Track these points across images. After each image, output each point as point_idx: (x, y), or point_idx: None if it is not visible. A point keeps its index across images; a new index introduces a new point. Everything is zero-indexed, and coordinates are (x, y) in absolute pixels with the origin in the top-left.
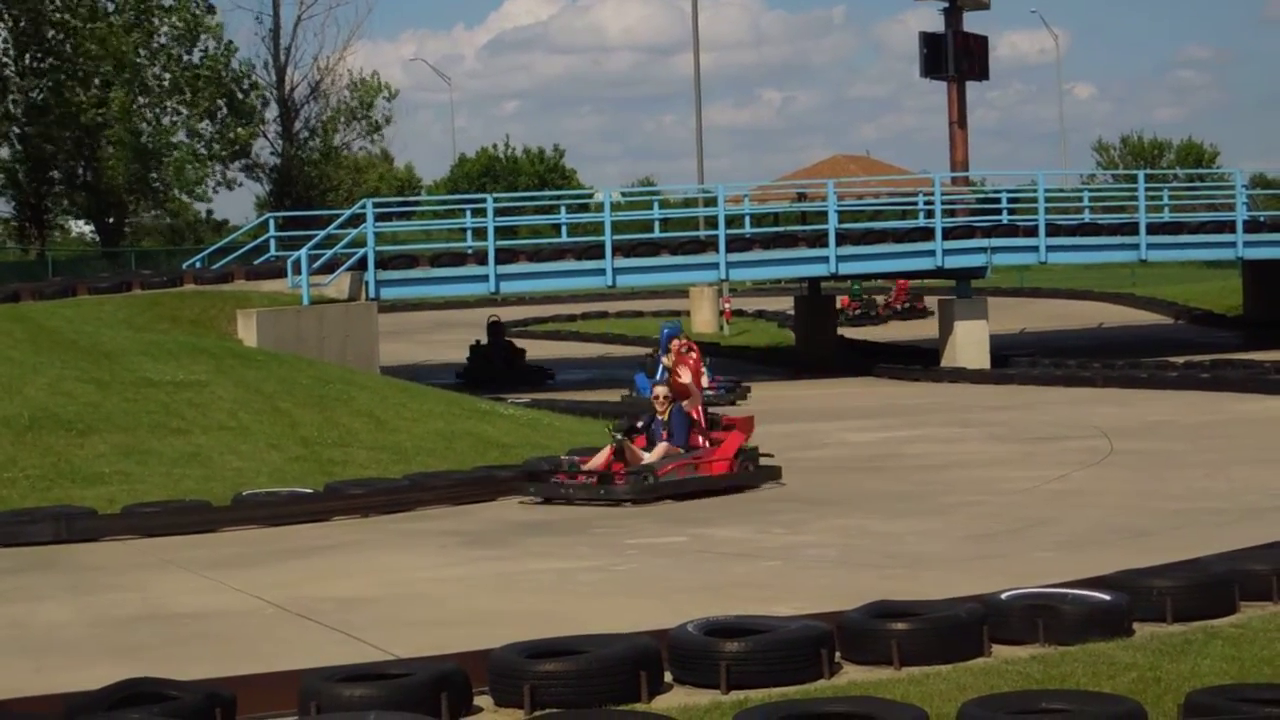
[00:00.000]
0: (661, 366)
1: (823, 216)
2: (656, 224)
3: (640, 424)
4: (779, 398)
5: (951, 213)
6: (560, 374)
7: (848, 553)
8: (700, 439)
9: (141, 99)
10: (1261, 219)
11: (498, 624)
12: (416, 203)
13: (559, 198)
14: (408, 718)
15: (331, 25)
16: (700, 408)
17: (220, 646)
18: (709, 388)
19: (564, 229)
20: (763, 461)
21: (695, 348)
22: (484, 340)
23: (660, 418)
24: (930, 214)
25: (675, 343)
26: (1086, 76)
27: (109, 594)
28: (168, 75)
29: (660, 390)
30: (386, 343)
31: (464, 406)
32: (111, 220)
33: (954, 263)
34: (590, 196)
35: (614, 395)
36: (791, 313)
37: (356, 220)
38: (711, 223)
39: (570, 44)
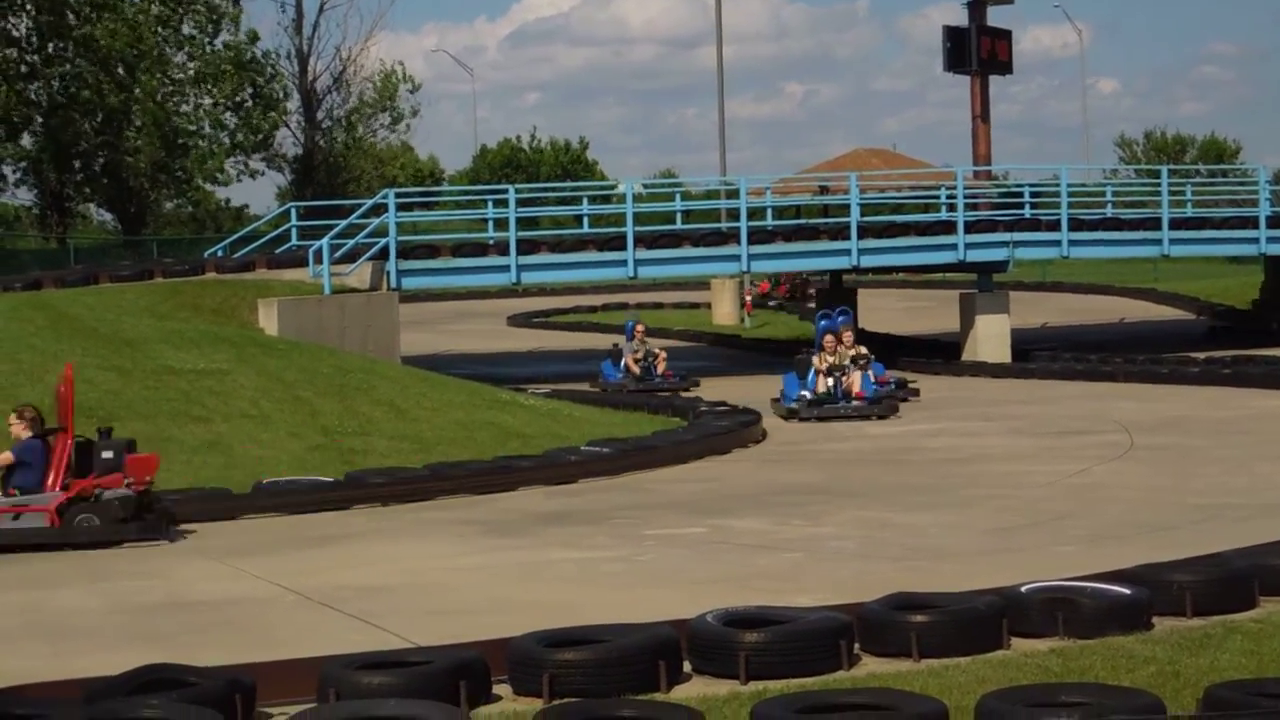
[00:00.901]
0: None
1: (845, 209)
2: (678, 215)
3: None
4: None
5: (974, 206)
6: (581, 365)
7: (867, 545)
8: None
9: (166, 87)
10: None
11: (517, 613)
12: (438, 193)
13: (581, 189)
14: (427, 705)
15: (354, 16)
16: None
17: (240, 634)
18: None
19: (586, 220)
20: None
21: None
22: None
23: (832, 360)
24: (952, 208)
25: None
26: (1110, 71)
27: (129, 581)
28: (192, 64)
29: None
30: (407, 333)
31: (484, 397)
32: (133, 209)
33: (976, 256)
34: (613, 188)
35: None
36: (813, 305)
37: (378, 210)
38: (733, 215)
39: (592, 36)
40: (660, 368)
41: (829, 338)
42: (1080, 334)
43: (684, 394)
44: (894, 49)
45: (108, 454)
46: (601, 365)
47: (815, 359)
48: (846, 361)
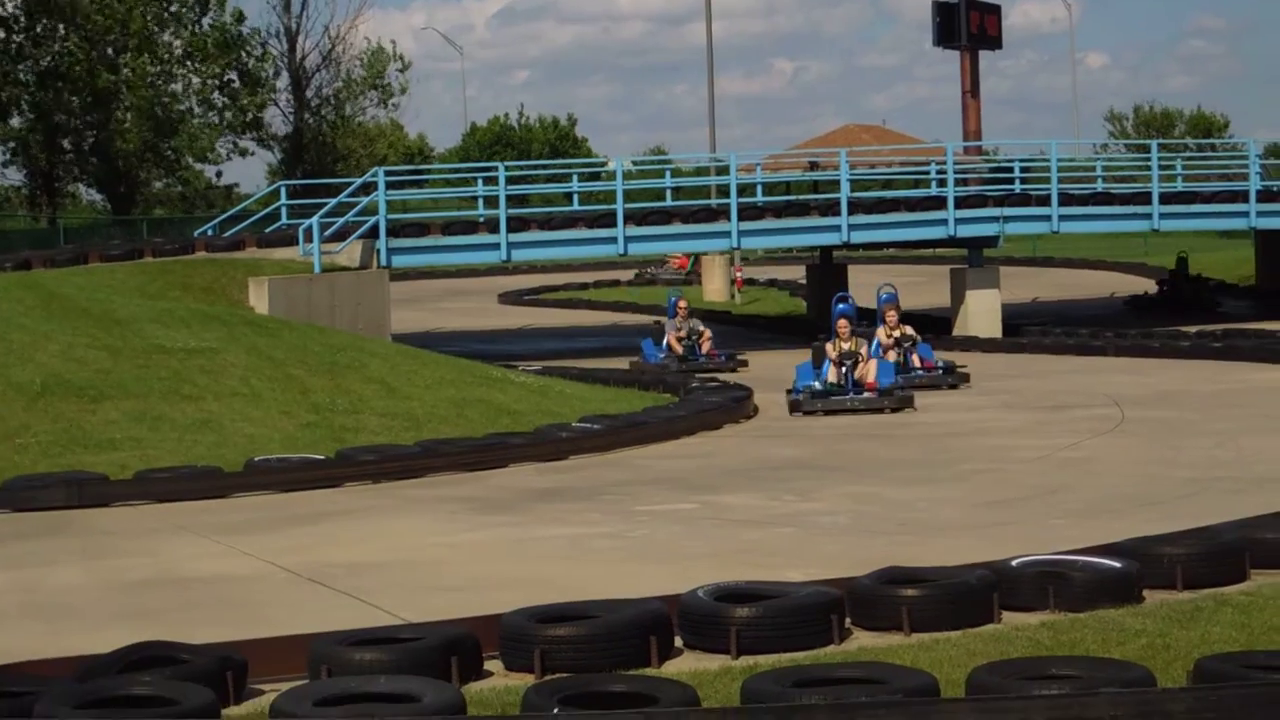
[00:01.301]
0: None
1: (835, 185)
2: (668, 192)
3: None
4: (790, 366)
5: (964, 182)
6: (572, 342)
7: (859, 519)
8: None
9: (152, 67)
10: (1275, 188)
11: (508, 589)
12: (428, 171)
13: (571, 166)
14: (419, 681)
15: None
16: None
17: (231, 611)
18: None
19: (575, 197)
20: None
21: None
22: None
23: (847, 347)
24: (943, 183)
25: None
26: (1099, 45)
27: (121, 559)
28: (178, 42)
29: None
30: (398, 311)
31: (475, 374)
32: (123, 188)
33: (966, 231)
34: (602, 165)
35: (623, 362)
36: (803, 282)
37: (368, 188)
38: (723, 191)
39: (580, 12)
40: (705, 347)
41: (842, 323)
42: (1071, 308)
43: (730, 375)
44: (883, 25)
45: None
46: (642, 344)
47: (829, 346)
48: (861, 349)
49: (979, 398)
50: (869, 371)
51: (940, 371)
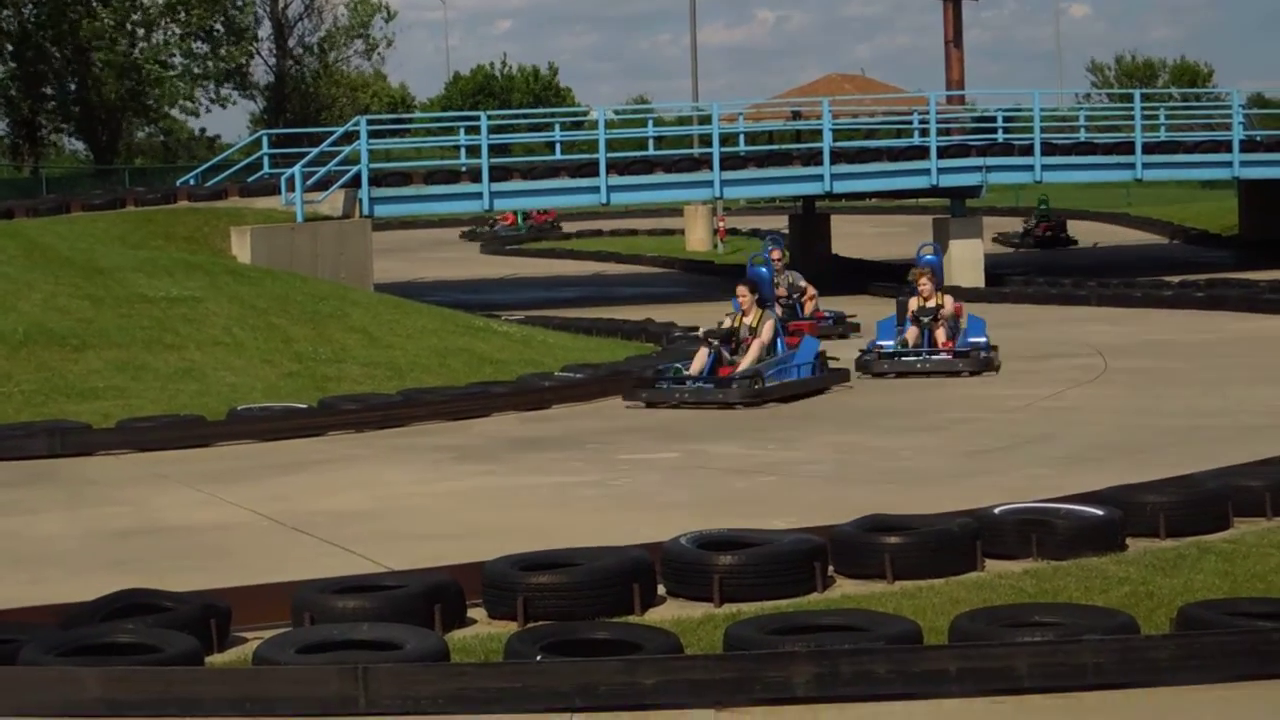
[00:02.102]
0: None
1: (817, 135)
2: (651, 142)
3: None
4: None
5: (947, 132)
6: (554, 292)
7: (841, 468)
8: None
9: (135, 16)
10: (1258, 139)
11: (491, 538)
12: (410, 120)
13: (553, 115)
14: (402, 628)
15: None
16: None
17: (214, 559)
18: (818, 316)
19: (558, 147)
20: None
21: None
22: None
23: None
24: (925, 133)
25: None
26: None
27: (103, 507)
28: None
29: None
30: (380, 260)
31: (458, 323)
32: (105, 138)
33: (949, 181)
34: (585, 115)
35: (615, 313)
36: (786, 231)
37: (350, 138)
38: (706, 141)
39: None
40: (809, 307)
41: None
42: (1054, 258)
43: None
44: None
45: None
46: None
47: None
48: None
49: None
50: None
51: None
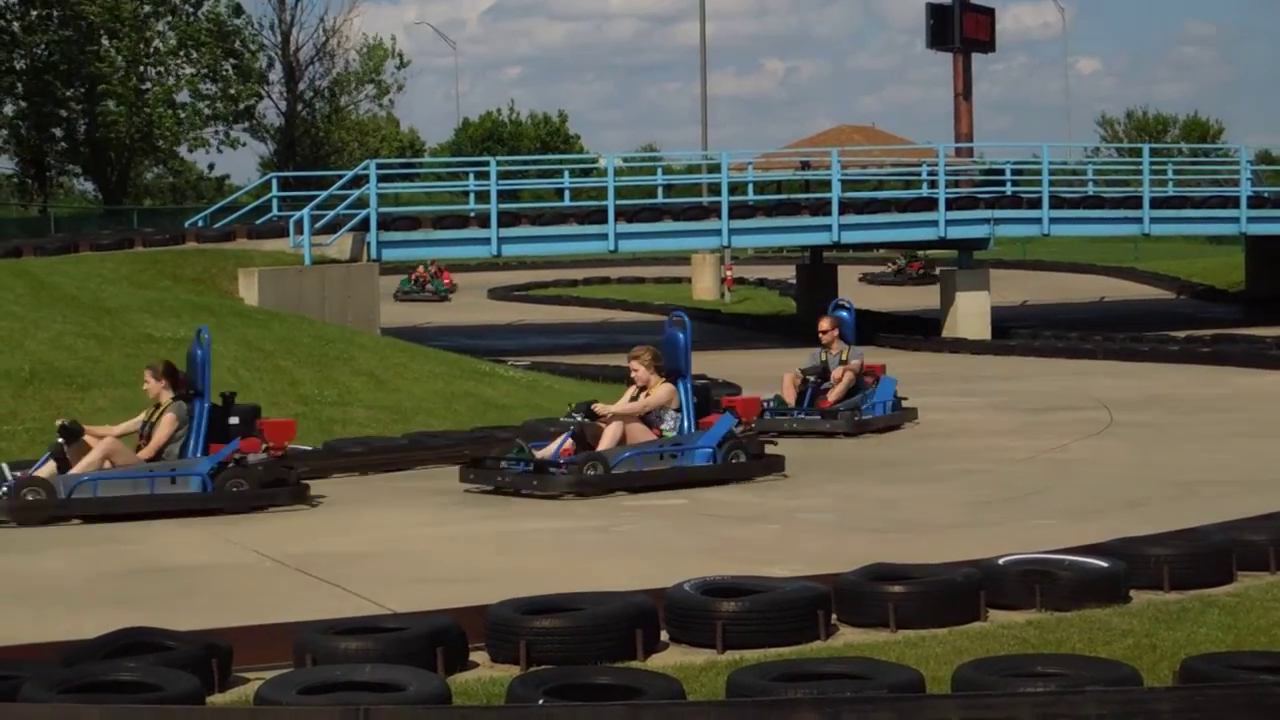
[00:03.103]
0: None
1: (826, 185)
2: (660, 189)
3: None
4: (780, 365)
5: (955, 184)
6: (561, 338)
7: (845, 517)
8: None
9: (145, 58)
10: (1265, 194)
11: (494, 581)
12: (420, 164)
13: (562, 162)
14: (404, 670)
15: None
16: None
17: (217, 599)
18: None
19: (567, 193)
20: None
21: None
22: None
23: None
24: (934, 184)
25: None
26: (1090, 51)
27: (106, 546)
28: (173, 34)
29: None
30: (387, 304)
31: (464, 368)
32: (114, 178)
33: (957, 233)
34: (594, 162)
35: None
36: (793, 281)
37: (359, 181)
38: (715, 189)
39: (571, 10)
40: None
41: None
42: (1061, 312)
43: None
44: (874, 27)
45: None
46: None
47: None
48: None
49: (967, 399)
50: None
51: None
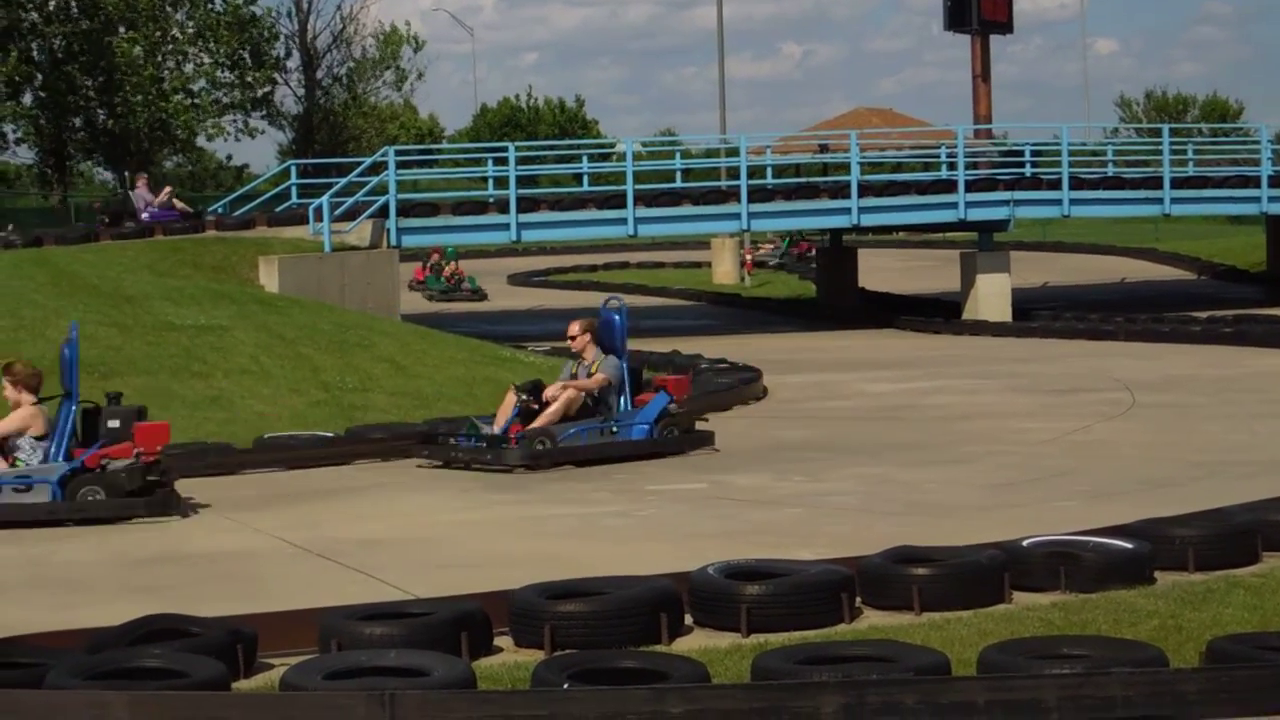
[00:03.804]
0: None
1: (845, 168)
2: (678, 174)
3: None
4: (800, 348)
5: (974, 165)
6: None
7: (869, 500)
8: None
9: (166, 46)
10: None
11: (518, 566)
12: (438, 151)
13: (581, 147)
14: (429, 656)
15: None
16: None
17: (241, 585)
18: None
19: (585, 178)
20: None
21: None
22: None
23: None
24: (953, 166)
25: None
26: (1108, 31)
27: (130, 534)
28: (190, 23)
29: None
30: (407, 290)
31: (485, 353)
32: (133, 167)
33: (976, 215)
34: (612, 147)
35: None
36: (813, 265)
37: (378, 168)
38: (733, 173)
39: None
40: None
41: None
42: (1081, 293)
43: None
44: (890, 9)
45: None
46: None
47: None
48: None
49: (989, 381)
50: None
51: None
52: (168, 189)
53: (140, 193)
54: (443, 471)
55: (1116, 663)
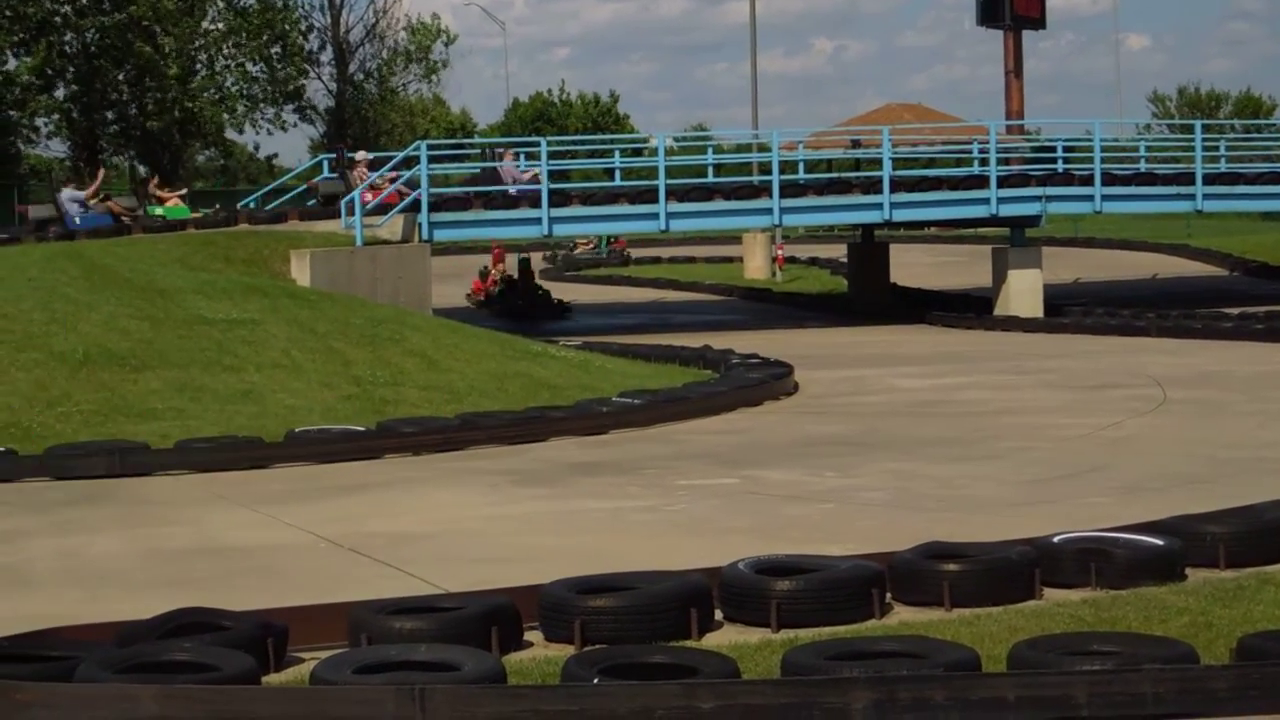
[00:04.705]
0: None
1: (877, 163)
2: (710, 169)
3: None
4: (832, 344)
5: (1006, 161)
6: (612, 318)
7: (899, 496)
8: None
9: (197, 40)
10: None
11: (548, 561)
12: (470, 145)
13: (613, 142)
14: (459, 650)
15: None
16: None
17: (272, 579)
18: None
19: (617, 173)
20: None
21: None
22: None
23: None
24: (985, 162)
25: None
26: (1139, 27)
27: (161, 527)
28: (222, 20)
29: None
30: (439, 285)
31: (516, 348)
32: (166, 161)
33: (1008, 211)
34: (644, 141)
35: (672, 339)
36: (845, 260)
37: (410, 162)
38: (765, 169)
39: None
40: None
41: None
42: (1113, 289)
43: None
44: (922, 5)
45: None
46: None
47: None
48: None
49: (1020, 377)
50: None
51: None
52: (100, 179)
53: (70, 193)
54: (473, 465)
55: (1147, 659)
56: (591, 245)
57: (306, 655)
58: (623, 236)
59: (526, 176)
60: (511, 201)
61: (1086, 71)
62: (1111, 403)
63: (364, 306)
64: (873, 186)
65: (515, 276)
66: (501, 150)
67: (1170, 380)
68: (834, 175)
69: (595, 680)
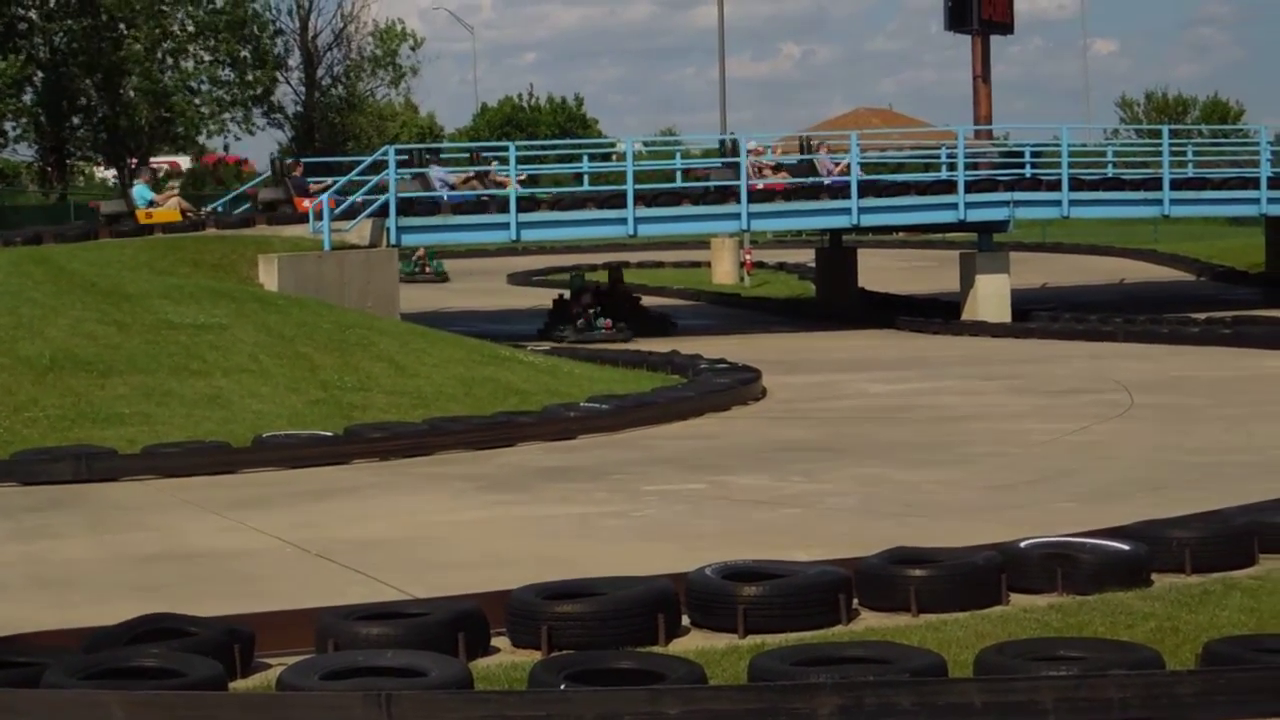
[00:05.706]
0: None
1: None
2: (678, 174)
3: None
4: (800, 349)
5: (974, 166)
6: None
7: (867, 501)
8: None
9: (165, 44)
10: None
11: (515, 567)
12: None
13: (581, 146)
14: (425, 656)
15: None
16: None
17: (238, 585)
18: None
19: (586, 178)
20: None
21: None
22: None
23: None
24: (953, 167)
25: None
26: (1107, 32)
27: (128, 533)
28: (191, 22)
29: None
30: (407, 290)
31: (484, 353)
32: (134, 165)
33: (976, 216)
34: (612, 146)
35: (641, 345)
36: (813, 265)
37: (378, 167)
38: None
39: None
40: None
41: None
42: (1081, 294)
43: None
44: (889, 10)
45: None
46: None
47: None
48: None
49: (988, 382)
50: None
51: None
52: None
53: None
54: (441, 471)
55: (1113, 665)
56: (420, 254)
57: (274, 661)
58: (586, 240)
59: (456, 180)
60: (480, 206)
61: (1054, 76)
62: (1078, 408)
63: (332, 311)
64: (841, 192)
65: (604, 288)
66: (430, 156)
67: (1137, 385)
68: (802, 180)
69: (562, 686)
